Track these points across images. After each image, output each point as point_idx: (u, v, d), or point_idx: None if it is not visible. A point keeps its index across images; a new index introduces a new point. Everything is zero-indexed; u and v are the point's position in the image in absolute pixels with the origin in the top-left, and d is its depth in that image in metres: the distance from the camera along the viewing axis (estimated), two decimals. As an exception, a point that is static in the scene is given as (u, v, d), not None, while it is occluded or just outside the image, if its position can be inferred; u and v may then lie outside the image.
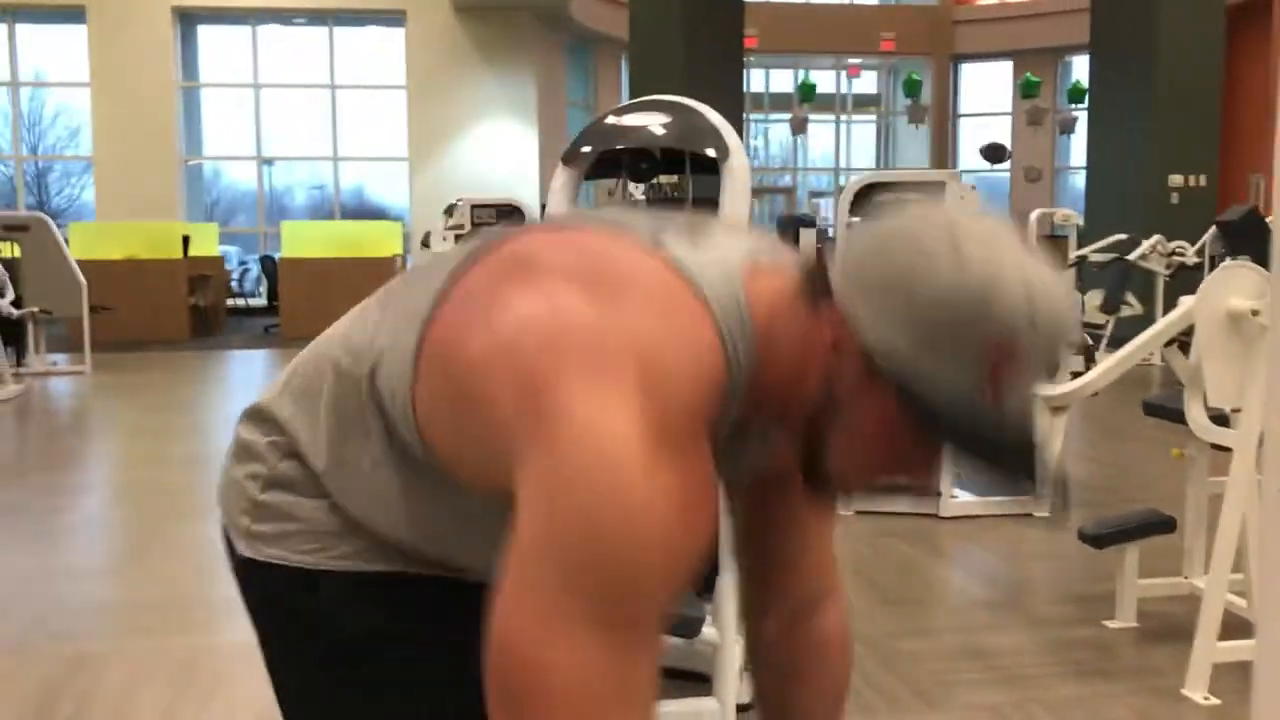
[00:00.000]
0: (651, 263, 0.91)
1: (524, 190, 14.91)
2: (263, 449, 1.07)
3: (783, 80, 19.79)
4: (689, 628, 2.37)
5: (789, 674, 1.17)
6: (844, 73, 20.27)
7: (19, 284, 9.53)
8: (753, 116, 19.94)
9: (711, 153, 2.89)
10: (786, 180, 19.67)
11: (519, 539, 0.80)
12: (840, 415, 0.90)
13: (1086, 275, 10.35)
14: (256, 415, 1.10)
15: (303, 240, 13.08)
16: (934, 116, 19.12)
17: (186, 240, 13.10)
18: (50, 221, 9.78)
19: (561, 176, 3.12)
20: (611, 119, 3.09)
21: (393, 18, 15.72)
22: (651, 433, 0.79)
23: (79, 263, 9.99)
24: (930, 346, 0.84)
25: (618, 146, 3.04)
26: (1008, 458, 0.88)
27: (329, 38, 15.86)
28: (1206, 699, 2.79)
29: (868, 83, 21.29)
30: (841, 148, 20.70)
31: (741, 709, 2.67)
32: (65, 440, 6.92)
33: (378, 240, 13.09)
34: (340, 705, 1.05)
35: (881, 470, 0.95)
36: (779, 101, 19.86)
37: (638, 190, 3.25)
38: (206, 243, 14.28)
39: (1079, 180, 15.79)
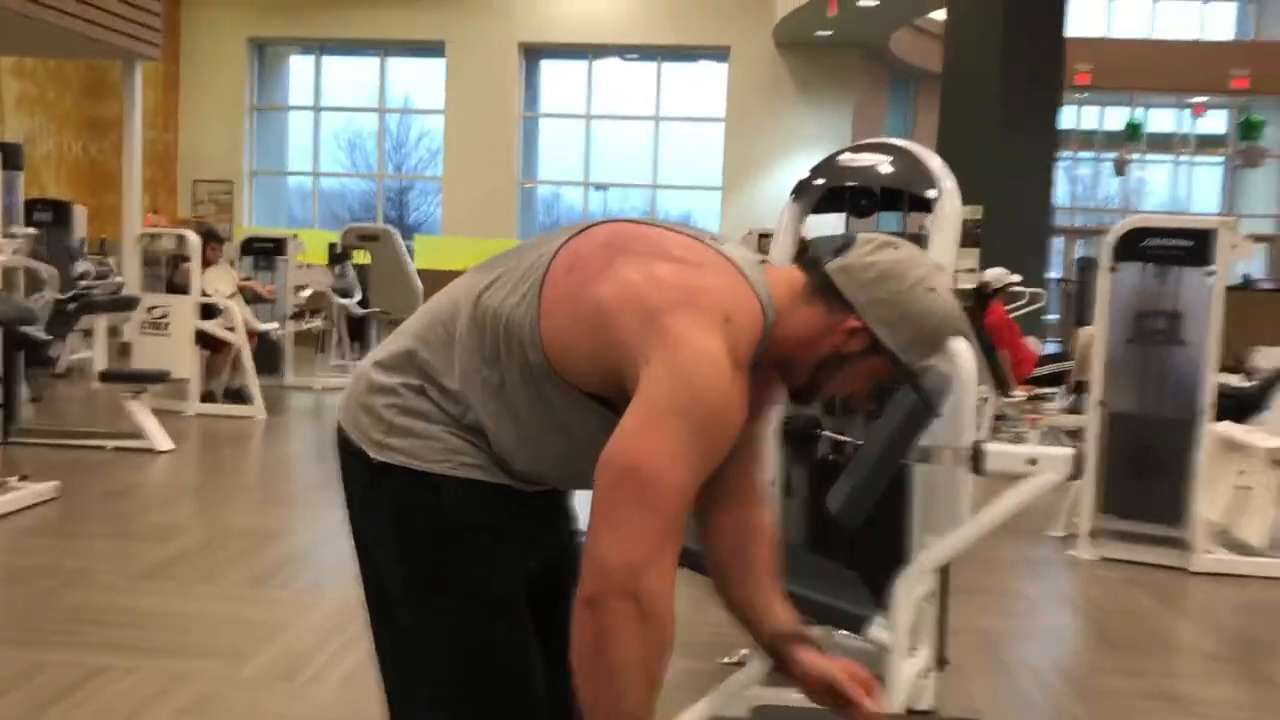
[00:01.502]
0: (713, 253, 1.42)
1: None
2: (397, 388, 1.46)
3: (1117, 118, 18.89)
4: (854, 623, 2.58)
5: (735, 551, 1.57)
6: (1187, 112, 19.13)
7: (367, 287, 10.77)
8: (1080, 155, 19.19)
9: (931, 193, 3.09)
10: (1107, 220, 18.73)
11: (644, 399, 1.28)
12: (843, 366, 1.46)
13: None
14: (389, 363, 1.48)
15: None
16: (1287, 160, 17.65)
17: (514, 256, 14.25)
18: (396, 233, 10.99)
19: (790, 209, 3.42)
20: (843, 157, 3.36)
21: (719, 52, 16.38)
22: (729, 355, 1.31)
23: (420, 272, 11.15)
24: (915, 342, 1.44)
25: (846, 183, 3.30)
26: (930, 394, 1.92)
27: (657, 72, 16.73)
28: None
29: (1214, 122, 19.98)
30: (1180, 190, 19.51)
31: (914, 713, 2.83)
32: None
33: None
34: (437, 568, 1.45)
35: (852, 390, 1.53)
36: (1111, 141, 18.98)
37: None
38: (532, 260, 15.43)
39: None
